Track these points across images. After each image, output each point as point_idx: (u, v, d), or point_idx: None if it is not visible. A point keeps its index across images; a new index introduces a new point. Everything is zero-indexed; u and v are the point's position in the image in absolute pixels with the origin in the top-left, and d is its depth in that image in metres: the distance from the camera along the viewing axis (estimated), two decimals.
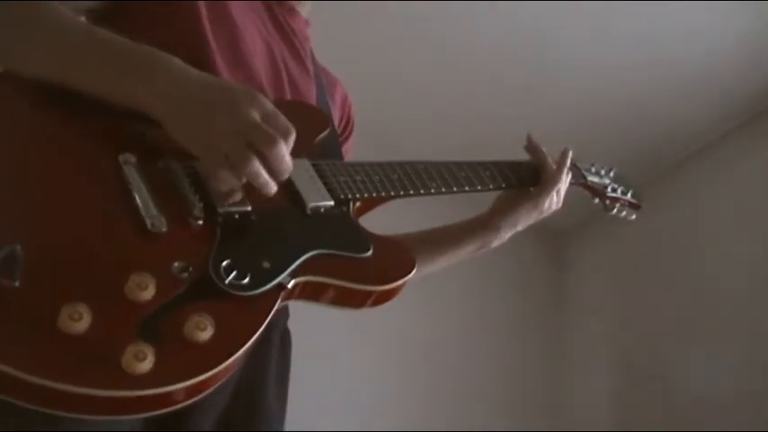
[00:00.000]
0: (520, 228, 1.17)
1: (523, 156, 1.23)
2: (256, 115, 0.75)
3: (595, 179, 1.30)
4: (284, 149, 0.75)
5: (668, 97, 2.98)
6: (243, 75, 0.99)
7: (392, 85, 3.12)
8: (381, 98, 3.14)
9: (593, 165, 1.32)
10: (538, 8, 2.64)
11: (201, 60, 0.93)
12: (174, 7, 0.96)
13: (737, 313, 2.73)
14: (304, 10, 1.19)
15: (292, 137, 0.76)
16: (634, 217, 1.34)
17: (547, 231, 3.73)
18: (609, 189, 1.30)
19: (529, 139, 1.22)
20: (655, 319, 3.14)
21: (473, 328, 3.42)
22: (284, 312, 1.02)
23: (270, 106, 0.77)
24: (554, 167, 1.17)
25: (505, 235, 1.17)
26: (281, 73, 1.07)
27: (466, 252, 1.19)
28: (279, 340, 0.99)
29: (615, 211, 1.31)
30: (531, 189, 1.17)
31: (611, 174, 1.33)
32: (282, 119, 0.77)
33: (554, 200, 1.16)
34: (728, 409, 2.59)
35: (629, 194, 1.33)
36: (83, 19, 0.92)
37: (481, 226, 1.18)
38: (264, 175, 0.75)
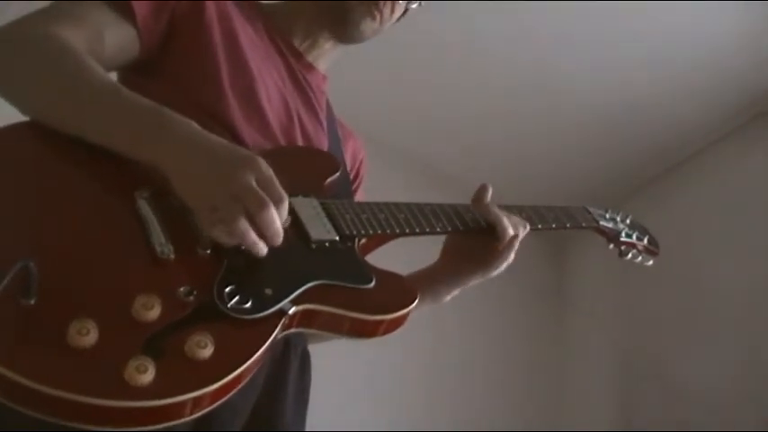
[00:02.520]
0: (468, 285, 1.14)
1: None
2: (252, 180, 0.77)
3: (609, 224, 1.29)
4: (273, 214, 0.77)
5: (668, 98, 2.98)
6: (257, 121, 1.03)
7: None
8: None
9: (607, 211, 1.32)
10: (537, 9, 2.64)
11: (216, 107, 0.98)
12: (194, 55, 1.02)
13: (737, 313, 2.73)
14: (322, 66, 1.23)
15: (285, 204, 0.79)
16: (651, 263, 1.33)
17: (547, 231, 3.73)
18: (623, 234, 1.29)
19: (480, 196, 1.11)
20: (655, 319, 3.15)
21: (472, 327, 3.42)
22: (303, 335, 1.03)
23: (267, 173, 0.79)
24: (508, 232, 1.07)
25: (455, 293, 1.14)
26: (294, 123, 1.11)
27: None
28: (298, 362, 1.02)
29: (630, 256, 1.30)
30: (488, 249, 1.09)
31: (627, 220, 1.33)
32: (277, 187, 0.79)
33: (509, 260, 1.10)
34: (728, 409, 2.59)
35: (645, 240, 1.32)
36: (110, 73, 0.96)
37: (436, 283, 1.13)
38: (252, 235, 0.77)
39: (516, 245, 1.09)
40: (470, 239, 1.10)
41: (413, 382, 3.21)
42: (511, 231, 1.07)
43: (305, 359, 1.04)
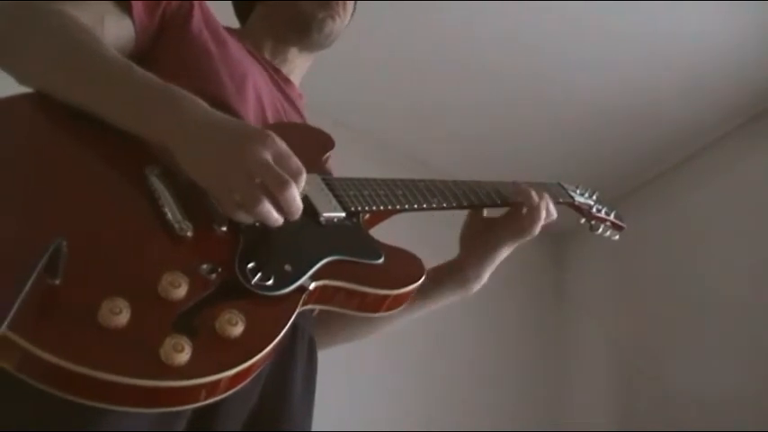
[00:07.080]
0: (498, 262, 1.19)
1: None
2: (268, 156, 0.77)
3: (581, 199, 1.34)
4: (295, 191, 0.77)
5: (668, 98, 2.99)
6: (254, 110, 1.05)
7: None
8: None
9: (577, 187, 1.36)
10: (536, 8, 2.64)
11: (216, 93, 0.99)
12: (188, 49, 1.04)
13: (737, 313, 2.73)
14: (296, 80, 1.27)
15: (303, 177, 0.79)
16: (617, 237, 1.39)
17: (547, 231, 3.73)
18: (594, 209, 1.35)
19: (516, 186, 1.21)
20: (654, 319, 3.15)
21: (472, 327, 3.42)
22: (310, 321, 1.05)
23: (283, 147, 0.79)
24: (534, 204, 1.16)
25: (486, 277, 1.19)
26: (283, 118, 1.14)
27: (448, 298, 1.19)
28: (305, 347, 1.02)
29: (600, 230, 1.36)
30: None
31: (594, 196, 1.38)
32: (294, 159, 0.79)
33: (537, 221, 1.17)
34: (728, 409, 2.60)
35: (612, 215, 1.38)
36: None
37: (460, 273, 1.18)
38: (275, 215, 0.78)
39: (542, 205, 1.16)
40: (482, 215, 1.14)
41: (412, 382, 3.21)
42: (534, 197, 1.15)
43: (311, 345, 1.04)
